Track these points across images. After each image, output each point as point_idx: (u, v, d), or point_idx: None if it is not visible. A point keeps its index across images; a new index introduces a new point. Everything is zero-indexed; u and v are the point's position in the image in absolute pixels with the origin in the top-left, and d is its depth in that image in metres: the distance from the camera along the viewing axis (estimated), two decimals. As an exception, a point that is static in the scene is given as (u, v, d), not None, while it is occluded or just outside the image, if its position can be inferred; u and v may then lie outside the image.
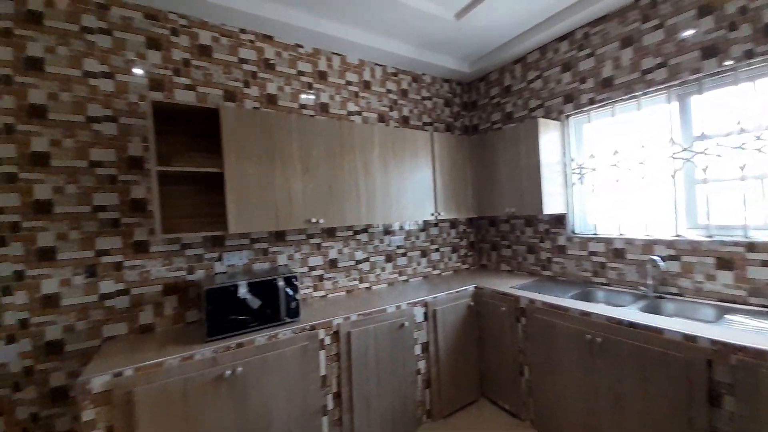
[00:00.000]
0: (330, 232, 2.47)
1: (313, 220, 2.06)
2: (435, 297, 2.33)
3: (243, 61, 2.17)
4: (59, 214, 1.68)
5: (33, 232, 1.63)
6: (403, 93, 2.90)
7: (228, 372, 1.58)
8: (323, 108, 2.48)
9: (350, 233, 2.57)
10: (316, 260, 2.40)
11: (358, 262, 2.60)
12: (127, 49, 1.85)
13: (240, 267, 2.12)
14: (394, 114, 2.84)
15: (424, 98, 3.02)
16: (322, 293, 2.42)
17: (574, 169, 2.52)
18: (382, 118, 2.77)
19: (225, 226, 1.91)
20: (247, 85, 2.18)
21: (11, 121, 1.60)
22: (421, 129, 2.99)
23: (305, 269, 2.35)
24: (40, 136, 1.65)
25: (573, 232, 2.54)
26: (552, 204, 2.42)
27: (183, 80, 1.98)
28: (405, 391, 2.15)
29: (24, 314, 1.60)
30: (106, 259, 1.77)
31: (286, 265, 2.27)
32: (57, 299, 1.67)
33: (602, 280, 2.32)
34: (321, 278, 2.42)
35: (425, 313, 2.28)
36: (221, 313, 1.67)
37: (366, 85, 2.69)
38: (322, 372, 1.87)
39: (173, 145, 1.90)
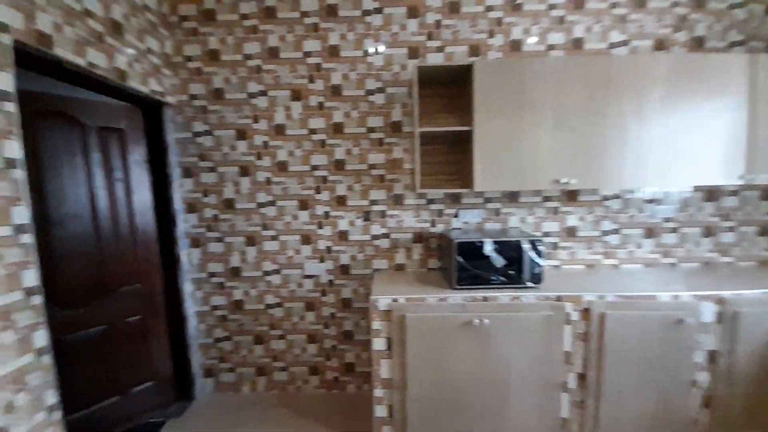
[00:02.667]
0: (571, 196, 2.15)
1: (563, 180, 1.81)
2: (739, 294, 1.65)
3: (489, 9, 2.05)
4: (349, 171, 2.18)
5: (334, 183, 2.19)
6: (698, 2, 2.02)
7: (476, 321, 1.68)
8: (576, 45, 2.07)
9: (596, 198, 2.15)
10: (551, 226, 2.17)
11: (605, 233, 2.17)
12: (393, 23, 2.08)
13: (473, 225, 2.18)
14: (680, 36, 2.04)
15: (733, 5, 2.02)
16: (555, 263, 2.19)
17: None
18: (660, 45, 2.05)
19: (467, 184, 1.96)
20: (491, 35, 2.06)
21: (322, 100, 2.14)
22: (727, 51, 2.05)
23: (538, 234, 2.17)
24: (337, 110, 2.15)
25: None
26: None
27: (433, 43, 2.08)
28: (672, 401, 1.71)
29: (329, 243, 2.23)
30: (375, 208, 2.19)
31: (517, 227, 2.17)
32: (347, 235, 2.22)
33: None
34: (555, 246, 2.18)
35: (719, 313, 1.66)
36: (468, 265, 1.76)
37: (639, 2, 2.03)
38: (566, 347, 1.71)
39: (425, 108, 2.07)
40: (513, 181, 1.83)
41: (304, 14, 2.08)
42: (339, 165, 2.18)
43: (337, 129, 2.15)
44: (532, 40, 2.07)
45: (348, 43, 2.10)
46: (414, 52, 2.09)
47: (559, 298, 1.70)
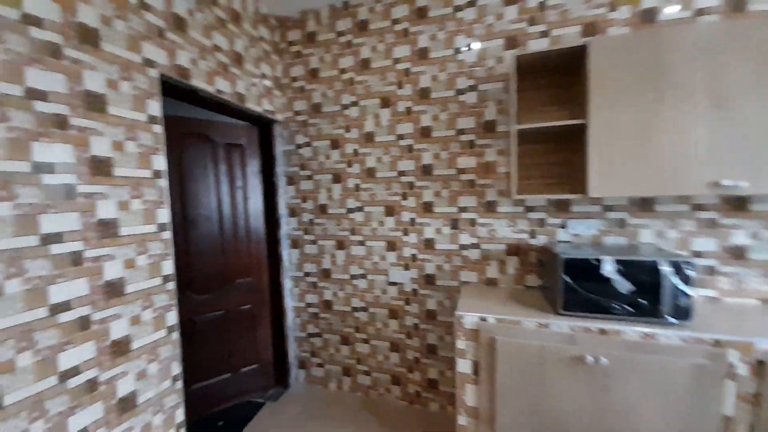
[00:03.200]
0: (737, 204, 1.59)
1: (725, 183, 1.34)
2: None
3: (610, -24, 1.70)
4: (436, 176, 2.08)
5: (421, 190, 2.13)
6: None
7: (590, 358, 1.36)
8: (736, 7, 1.53)
9: (784, 207, 1.53)
10: (705, 244, 1.64)
11: (801, 257, 1.53)
12: (487, 14, 1.91)
13: (587, 238, 1.81)
14: None
15: None
16: (712, 294, 1.64)
17: None
18: None
19: (578, 188, 1.64)
20: (612, 7, 1.70)
21: (410, 104, 2.11)
22: None
23: (684, 254, 1.67)
24: (425, 113, 2.08)
25: None
26: None
27: (536, 28, 1.82)
28: None
29: (414, 251, 2.17)
30: (464, 215, 2.03)
31: (651, 244, 1.70)
32: (433, 243, 2.12)
33: None
34: (712, 271, 1.64)
35: None
36: (579, 287, 1.45)
37: None
38: (726, 411, 1.24)
39: (524, 103, 1.83)
40: (646, 185, 1.44)
41: (395, 21, 2.10)
42: (426, 170, 2.10)
43: (425, 133, 2.09)
44: (672, 8, 1.62)
45: (438, 44, 2.02)
46: (511, 42, 1.87)
47: (718, 343, 1.24)
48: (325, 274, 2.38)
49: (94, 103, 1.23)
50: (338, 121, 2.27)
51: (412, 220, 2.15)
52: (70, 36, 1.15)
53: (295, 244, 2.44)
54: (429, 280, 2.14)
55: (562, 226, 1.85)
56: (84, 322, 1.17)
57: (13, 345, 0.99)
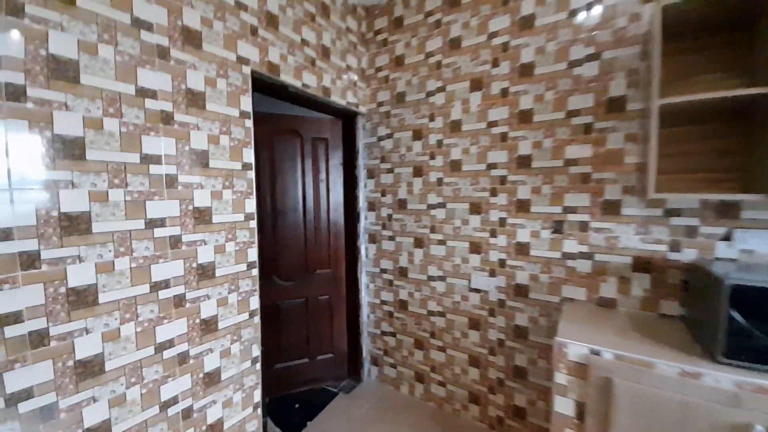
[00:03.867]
0: None
1: None
2: None
3: None
4: (535, 169, 1.74)
5: (515, 184, 1.81)
6: None
7: (760, 429, 0.91)
8: None
9: None
10: None
11: None
12: (618, -42, 1.48)
13: (765, 257, 1.26)
14: None
15: None
16: None
17: None
18: None
19: (754, 186, 1.13)
20: None
21: (506, 85, 1.80)
22: None
23: None
24: (525, 94, 1.75)
25: None
26: None
27: (697, -36, 1.32)
28: None
29: (502, 255, 1.87)
30: (572, 217, 1.65)
31: None
32: (527, 248, 1.79)
33: None
34: None
35: None
36: (753, 328, 0.99)
37: None
38: None
39: (670, 70, 1.35)
40: None
41: (492, -11, 1.81)
42: (523, 162, 1.77)
43: (524, 117, 1.76)
44: None
45: (547, 8, 1.66)
46: (655, -10, 1.41)
47: None
48: (402, 272, 2.26)
49: (194, 100, 1.33)
50: (422, 109, 2.10)
51: (502, 219, 1.85)
52: (175, 38, 1.26)
53: (373, 239, 2.39)
54: (520, 291, 1.82)
55: (726, 238, 1.32)
56: (179, 300, 1.29)
57: (118, 316, 1.13)
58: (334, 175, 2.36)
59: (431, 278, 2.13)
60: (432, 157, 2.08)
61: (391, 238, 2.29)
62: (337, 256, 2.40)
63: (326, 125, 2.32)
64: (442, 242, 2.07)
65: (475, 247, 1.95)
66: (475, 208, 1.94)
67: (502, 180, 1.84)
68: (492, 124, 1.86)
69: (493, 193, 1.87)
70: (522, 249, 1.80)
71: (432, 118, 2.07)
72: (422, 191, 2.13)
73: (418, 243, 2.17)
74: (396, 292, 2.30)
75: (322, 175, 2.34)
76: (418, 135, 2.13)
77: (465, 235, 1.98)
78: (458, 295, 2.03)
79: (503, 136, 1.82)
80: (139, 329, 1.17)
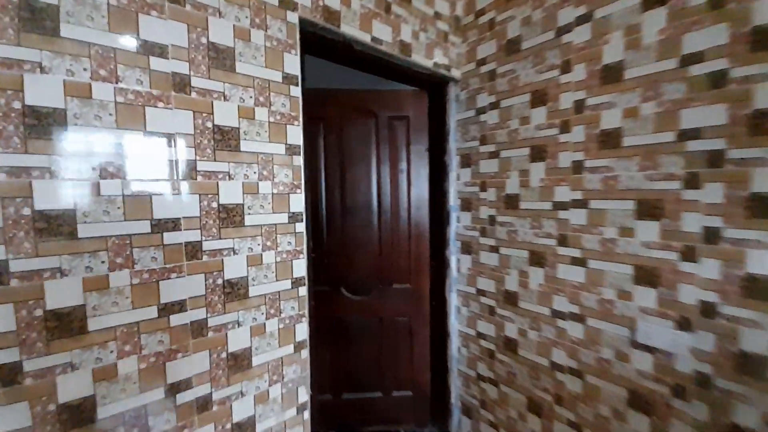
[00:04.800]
0: None
1: None
2: None
3: None
4: (807, 132, 0.87)
5: (741, 167, 0.96)
6: None
7: None
8: None
9: None
10: None
11: None
12: None
13: None
14: None
15: None
16: None
17: None
18: None
19: None
20: None
21: (727, -15, 0.97)
22: None
23: None
24: (779, -12, 0.89)
25: None
26: None
27: None
28: None
29: (709, 295, 1.04)
30: None
31: None
32: (765, 285, 0.93)
33: None
34: None
35: None
36: None
37: None
38: None
39: None
40: None
41: None
42: (756, 126, 0.92)
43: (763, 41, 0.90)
44: None
45: None
46: None
47: None
48: (509, 298, 1.59)
49: (219, 60, 0.98)
50: (548, 57, 1.39)
51: (712, 231, 1.03)
52: (191, -28, 0.92)
53: (468, 248, 1.77)
54: (743, 360, 0.98)
55: None
56: (199, 328, 0.96)
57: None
58: (417, 164, 1.84)
59: (558, 314, 1.41)
60: (564, 128, 1.35)
61: (494, 249, 1.64)
62: (418, 267, 1.87)
63: (407, 100, 1.81)
64: (579, 261, 1.33)
65: (648, 275, 1.16)
66: (649, 210, 1.14)
67: (713, 160, 1.01)
68: (690, 59, 1.04)
69: (691, 184, 1.06)
70: (756, 284, 0.95)
71: (566, 68, 1.34)
72: (545, 182, 1.42)
73: (537, 259, 1.47)
74: (500, 325, 1.65)
75: (402, 164, 1.84)
76: (540, 98, 1.43)
77: (626, 254, 1.20)
78: (609, 348, 1.27)
79: (714, 80, 1.00)
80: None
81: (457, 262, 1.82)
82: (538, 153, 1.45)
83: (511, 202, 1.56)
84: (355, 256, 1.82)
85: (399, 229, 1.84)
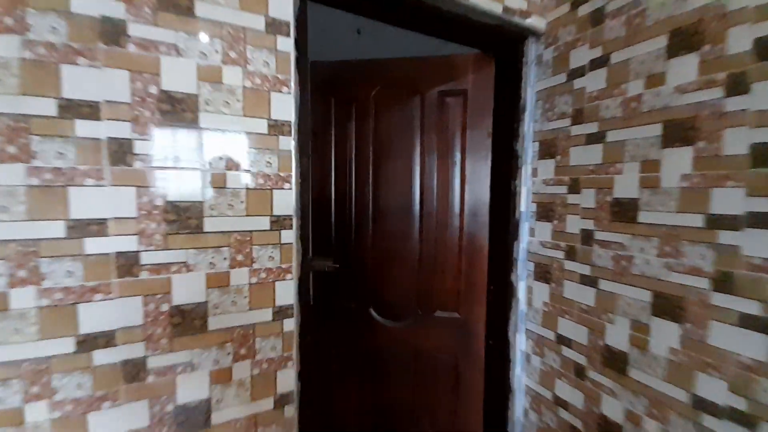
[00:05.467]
0: None
1: None
2: None
3: None
4: None
5: None
6: None
7: None
8: None
9: None
10: None
11: None
12: None
13: None
14: None
15: None
16: None
17: None
18: None
19: None
20: None
21: None
22: None
23: None
24: None
25: None
26: None
27: None
28: None
29: None
30: None
31: None
32: None
33: None
34: None
35: None
36: None
37: None
38: None
39: None
40: None
41: None
42: None
43: None
44: None
45: None
46: None
47: None
48: (611, 359, 1.03)
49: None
50: (709, -34, 0.81)
51: None
52: None
53: (545, 273, 1.24)
54: None
55: None
56: (135, 370, 0.70)
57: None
58: (476, 155, 1.37)
59: (704, 405, 0.82)
60: (736, 88, 0.76)
61: (589, 281, 1.09)
62: (471, 292, 1.40)
63: (464, 68, 1.35)
64: (755, 322, 0.73)
65: None
66: None
67: None
68: None
69: None
70: None
71: (750, -23, 0.74)
72: (692, 181, 0.84)
73: (669, 307, 0.89)
74: (593, 396, 1.09)
75: (455, 155, 1.39)
76: (687, 39, 0.85)
77: None
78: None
79: None
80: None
81: (527, 291, 1.30)
82: (680, 132, 0.87)
83: (622, 211, 1.00)
84: (388, 271, 1.44)
85: (447, 241, 1.40)
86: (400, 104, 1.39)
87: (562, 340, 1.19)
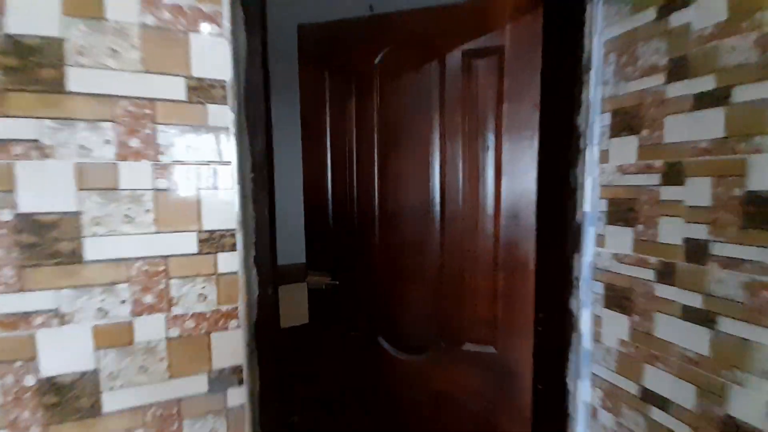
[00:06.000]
0: None
1: None
2: None
3: None
4: None
5: None
6: None
7: None
8: None
9: None
10: None
11: None
12: None
13: None
14: None
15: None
16: None
17: None
18: None
19: None
20: None
21: None
22: None
23: None
24: None
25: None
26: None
27: None
28: None
29: None
30: None
31: None
32: None
33: None
34: None
35: None
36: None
37: None
38: None
39: None
40: None
41: None
42: None
43: None
44: None
45: None
46: None
47: None
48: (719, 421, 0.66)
49: None
50: None
51: None
52: None
53: (621, 299, 0.87)
54: None
55: None
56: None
57: None
58: (516, 136, 1.01)
59: None
60: None
61: (703, 318, 0.71)
62: (512, 320, 1.05)
63: (499, 14, 0.99)
64: None
65: None
66: None
67: None
68: None
69: None
70: None
71: None
72: None
73: None
74: (706, 494, 0.73)
75: (488, 138, 1.04)
76: None
77: None
78: None
79: None
80: None
81: (593, 322, 0.94)
82: None
83: (761, 212, 0.62)
84: (399, 290, 1.13)
85: (477, 251, 1.06)
86: (412, 73, 1.06)
87: (649, 398, 0.82)
